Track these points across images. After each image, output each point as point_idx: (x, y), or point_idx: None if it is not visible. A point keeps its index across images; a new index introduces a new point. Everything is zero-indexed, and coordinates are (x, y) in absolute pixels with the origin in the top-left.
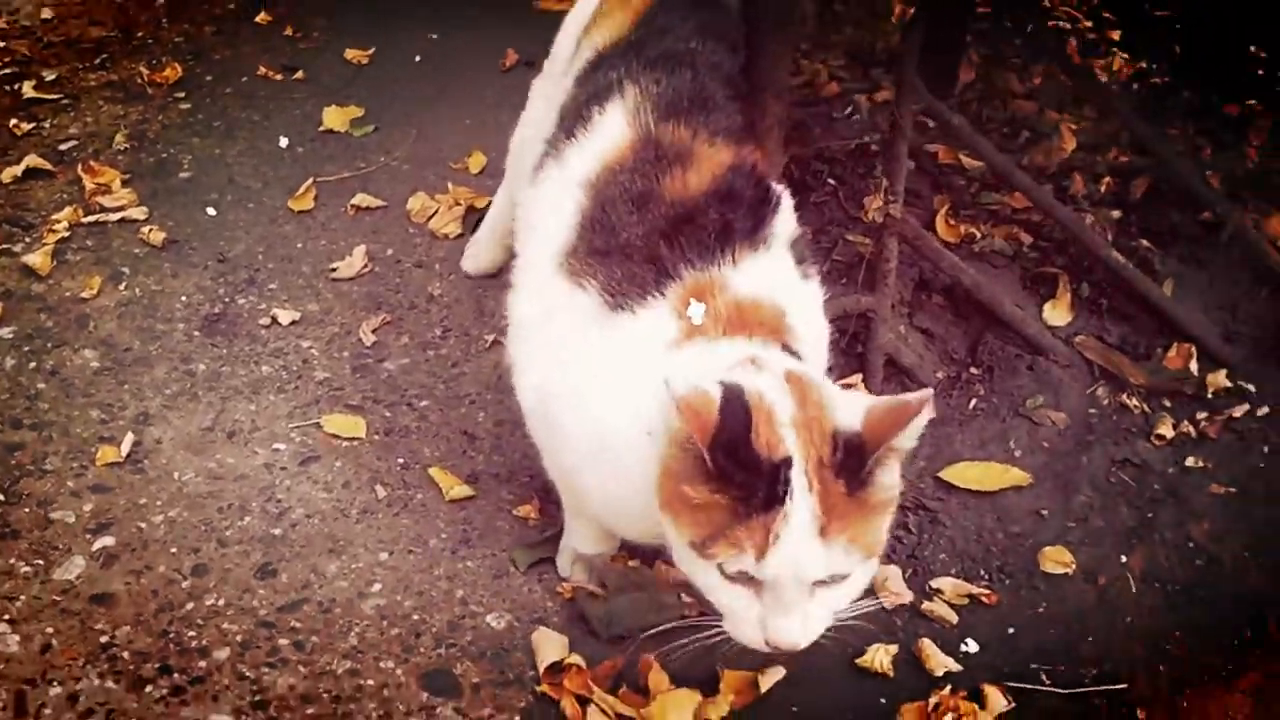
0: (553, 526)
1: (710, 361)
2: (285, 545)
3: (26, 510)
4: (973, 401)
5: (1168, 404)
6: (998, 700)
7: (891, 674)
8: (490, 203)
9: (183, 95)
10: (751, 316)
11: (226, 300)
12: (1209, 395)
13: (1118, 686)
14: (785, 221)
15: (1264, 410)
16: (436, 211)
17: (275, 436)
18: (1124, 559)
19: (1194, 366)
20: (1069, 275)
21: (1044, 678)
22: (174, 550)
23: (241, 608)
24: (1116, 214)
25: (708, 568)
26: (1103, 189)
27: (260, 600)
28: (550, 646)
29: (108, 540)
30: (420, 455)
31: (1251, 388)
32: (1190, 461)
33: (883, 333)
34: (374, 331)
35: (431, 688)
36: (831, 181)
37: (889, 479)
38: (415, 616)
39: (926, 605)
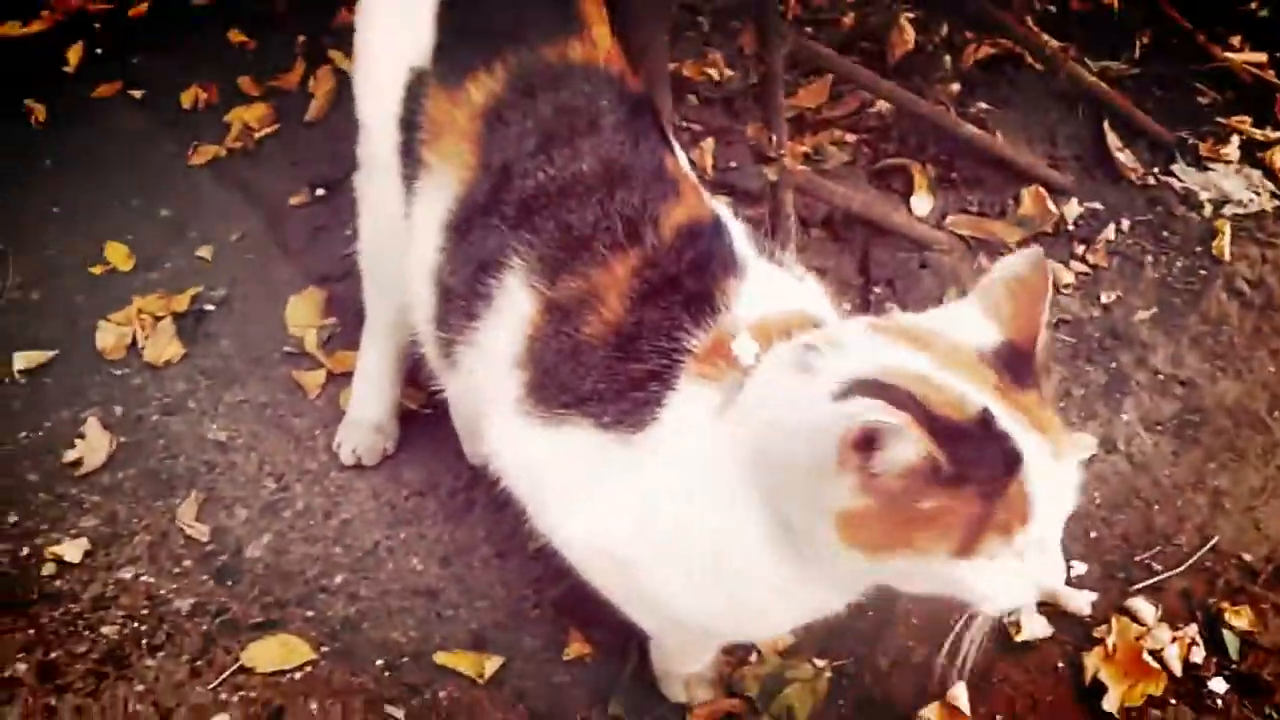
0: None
1: (773, 381)
2: None
3: None
4: None
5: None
6: (1148, 611)
7: (1051, 631)
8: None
9: None
10: (778, 326)
11: None
12: (1072, 227)
13: (1210, 544)
14: (741, 240)
15: (1126, 222)
16: (133, 335)
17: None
18: (1124, 417)
19: (1050, 205)
20: (908, 160)
21: (1155, 566)
22: None
23: None
24: (956, 87)
25: (975, 567)
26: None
27: None
28: None
29: None
30: (392, 642)
31: (1098, 205)
32: (1106, 297)
33: None
34: (196, 519)
35: None
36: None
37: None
38: None
39: None
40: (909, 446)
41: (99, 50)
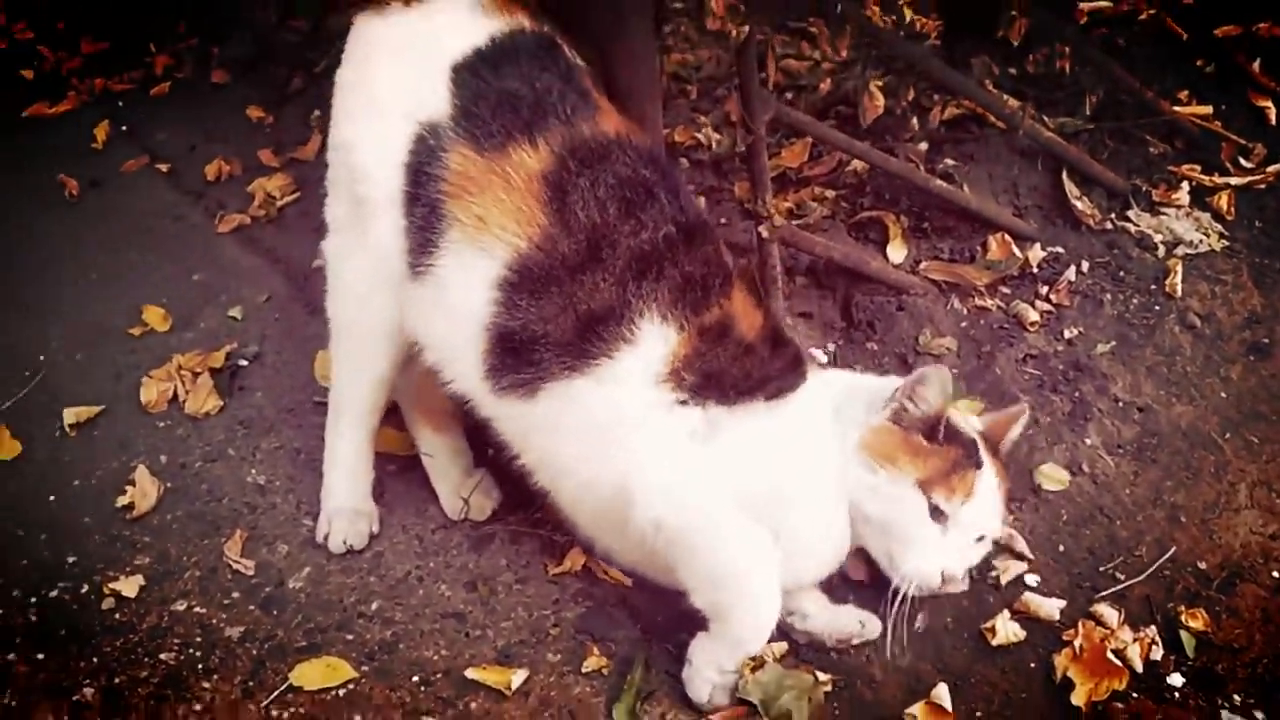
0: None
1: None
2: None
3: None
4: (876, 361)
5: (1007, 291)
6: (1111, 615)
7: (1024, 635)
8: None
9: None
10: None
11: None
12: (1036, 270)
13: (1168, 554)
14: None
15: (1085, 265)
16: (174, 390)
17: None
18: (1087, 441)
19: (1015, 250)
20: (883, 212)
21: (1119, 575)
22: None
23: None
24: (924, 146)
25: (920, 503)
26: (910, 129)
27: None
28: None
29: None
30: (426, 660)
31: (1059, 249)
32: (1069, 333)
33: None
34: (241, 554)
35: None
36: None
37: None
38: None
39: (997, 564)
40: (938, 396)
41: (124, 127)
